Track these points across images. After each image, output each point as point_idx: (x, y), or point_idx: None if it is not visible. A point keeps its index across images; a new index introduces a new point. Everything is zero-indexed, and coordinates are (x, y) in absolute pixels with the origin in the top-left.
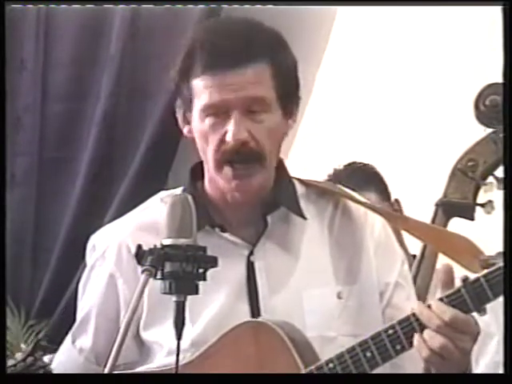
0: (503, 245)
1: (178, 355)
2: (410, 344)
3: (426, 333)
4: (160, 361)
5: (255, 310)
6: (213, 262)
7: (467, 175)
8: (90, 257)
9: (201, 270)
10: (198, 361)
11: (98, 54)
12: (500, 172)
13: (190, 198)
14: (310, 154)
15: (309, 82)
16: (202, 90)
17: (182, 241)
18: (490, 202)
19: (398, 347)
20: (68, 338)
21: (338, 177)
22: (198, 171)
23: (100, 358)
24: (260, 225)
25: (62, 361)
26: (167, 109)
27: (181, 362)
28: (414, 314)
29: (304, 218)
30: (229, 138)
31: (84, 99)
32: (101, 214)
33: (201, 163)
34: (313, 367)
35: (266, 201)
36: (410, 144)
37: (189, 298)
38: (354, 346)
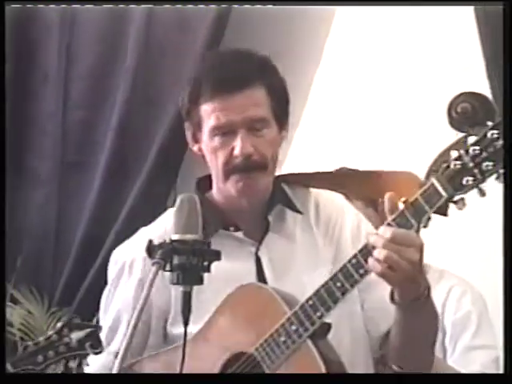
0: (503, 245)
1: (185, 340)
2: None
3: (375, 251)
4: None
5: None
6: (216, 255)
7: (442, 175)
8: (114, 270)
9: (205, 263)
10: (205, 326)
11: (115, 66)
12: None
13: (196, 198)
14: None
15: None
16: (210, 113)
17: (189, 236)
18: (462, 199)
19: (362, 271)
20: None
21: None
22: (204, 183)
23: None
24: (263, 224)
25: (98, 368)
26: (177, 117)
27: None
28: (367, 243)
29: (300, 212)
30: (237, 152)
31: (101, 107)
32: (116, 212)
33: (206, 176)
34: (297, 308)
35: (266, 202)
36: (390, 147)
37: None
38: (327, 281)
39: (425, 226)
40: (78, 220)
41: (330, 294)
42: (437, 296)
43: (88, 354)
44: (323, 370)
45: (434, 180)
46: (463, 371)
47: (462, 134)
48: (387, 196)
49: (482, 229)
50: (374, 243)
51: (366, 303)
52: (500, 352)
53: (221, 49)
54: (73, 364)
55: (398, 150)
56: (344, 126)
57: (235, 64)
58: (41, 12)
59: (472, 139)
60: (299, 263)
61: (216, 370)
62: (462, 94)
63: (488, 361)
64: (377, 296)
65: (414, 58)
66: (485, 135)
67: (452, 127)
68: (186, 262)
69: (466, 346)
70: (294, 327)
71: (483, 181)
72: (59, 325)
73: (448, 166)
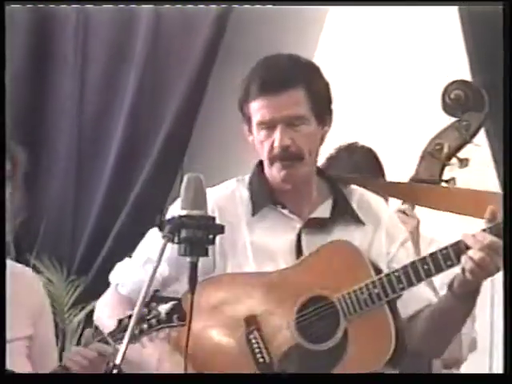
0: (503, 244)
1: (191, 307)
2: (458, 260)
3: (471, 251)
4: None
5: None
6: (220, 229)
7: (434, 157)
8: None
9: (210, 236)
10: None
11: (126, 53)
12: (462, 154)
13: (201, 177)
14: None
15: None
16: (256, 110)
17: (195, 212)
18: (453, 178)
19: (449, 262)
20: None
21: (335, 159)
22: (260, 165)
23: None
24: (312, 208)
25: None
26: (184, 100)
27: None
28: (461, 240)
29: (358, 218)
30: (276, 144)
31: (114, 89)
32: (129, 188)
33: (261, 160)
34: (382, 275)
35: (318, 193)
36: (388, 131)
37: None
38: (414, 261)
39: None
40: (94, 196)
41: (416, 272)
42: None
43: (176, 326)
44: (393, 333)
45: None
46: None
47: (454, 119)
48: (490, 207)
49: None
50: (470, 244)
51: None
52: None
53: (270, 54)
54: (162, 335)
55: (395, 135)
56: (339, 124)
57: (279, 67)
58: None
59: None
60: None
61: (296, 306)
62: (454, 82)
63: None
64: None
65: (409, 52)
66: None
67: (445, 112)
68: (193, 236)
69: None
70: (376, 290)
71: None
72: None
73: None
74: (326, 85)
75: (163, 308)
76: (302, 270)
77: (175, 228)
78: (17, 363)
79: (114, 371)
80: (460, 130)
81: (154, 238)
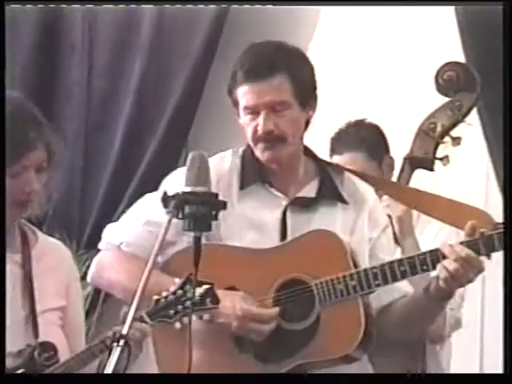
0: (503, 243)
1: (196, 279)
2: (433, 267)
3: (446, 261)
4: None
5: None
6: (222, 205)
7: (429, 135)
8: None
9: (213, 212)
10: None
11: (132, 41)
12: (455, 132)
13: (205, 154)
14: None
15: None
16: (242, 96)
17: (199, 188)
18: (447, 156)
19: (425, 267)
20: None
21: (344, 133)
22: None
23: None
24: (298, 187)
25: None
26: (187, 84)
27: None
28: (439, 249)
29: (343, 198)
30: (259, 128)
31: (120, 76)
32: (135, 167)
33: None
34: (361, 269)
35: (305, 173)
36: (385, 111)
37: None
38: (393, 261)
39: (488, 257)
40: (103, 171)
41: (392, 272)
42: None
43: (209, 309)
44: (363, 323)
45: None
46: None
47: (447, 99)
48: (471, 222)
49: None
50: (447, 254)
51: None
52: None
53: (257, 41)
54: (195, 317)
55: (392, 114)
56: (342, 103)
57: (264, 54)
58: None
59: None
60: (314, 226)
61: (275, 285)
62: (447, 64)
63: None
64: None
65: (405, 37)
66: None
67: (439, 93)
68: (196, 211)
69: None
70: (353, 283)
71: None
72: (180, 281)
73: None
74: (311, 70)
75: (197, 291)
76: (284, 253)
77: (179, 204)
78: (51, 333)
79: (121, 341)
80: (453, 110)
81: (151, 201)
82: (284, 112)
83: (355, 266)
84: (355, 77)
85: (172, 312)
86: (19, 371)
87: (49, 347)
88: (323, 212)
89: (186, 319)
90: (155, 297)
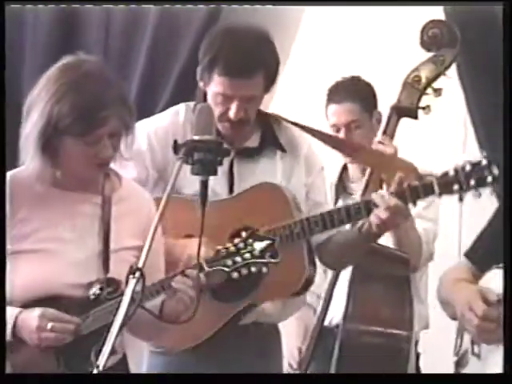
0: (503, 243)
1: (203, 221)
2: (367, 215)
3: (378, 209)
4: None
5: (231, 187)
6: (227, 152)
7: (414, 87)
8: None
9: (219, 158)
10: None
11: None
12: (437, 84)
13: (211, 105)
14: (304, 73)
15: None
16: (217, 83)
17: (206, 137)
18: (428, 106)
19: (359, 216)
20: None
21: (341, 84)
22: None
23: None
24: (244, 139)
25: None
26: (187, 66)
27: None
28: (371, 199)
29: (281, 145)
30: (231, 114)
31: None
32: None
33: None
34: (303, 217)
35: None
36: (374, 64)
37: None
38: (331, 210)
39: (414, 205)
40: None
41: (331, 221)
42: None
43: (268, 263)
44: (307, 265)
45: (433, 180)
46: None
47: (431, 54)
48: (399, 174)
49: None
50: (378, 203)
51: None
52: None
53: (235, 26)
54: (254, 269)
55: (381, 68)
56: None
57: (244, 52)
58: None
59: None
60: (257, 174)
61: (227, 234)
62: (432, 21)
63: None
64: None
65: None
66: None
67: (423, 48)
68: (204, 158)
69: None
70: (297, 230)
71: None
72: (244, 235)
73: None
74: (278, 62)
75: (258, 245)
76: (235, 205)
77: (189, 151)
78: (122, 270)
79: (137, 273)
80: (436, 64)
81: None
82: (253, 100)
83: (299, 211)
84: (349, 34)
85: (230, 262)
86: (90, 298)
87: (113, 283)
88: (265, 162)
89: (244, 270)
90: (218, 247)
